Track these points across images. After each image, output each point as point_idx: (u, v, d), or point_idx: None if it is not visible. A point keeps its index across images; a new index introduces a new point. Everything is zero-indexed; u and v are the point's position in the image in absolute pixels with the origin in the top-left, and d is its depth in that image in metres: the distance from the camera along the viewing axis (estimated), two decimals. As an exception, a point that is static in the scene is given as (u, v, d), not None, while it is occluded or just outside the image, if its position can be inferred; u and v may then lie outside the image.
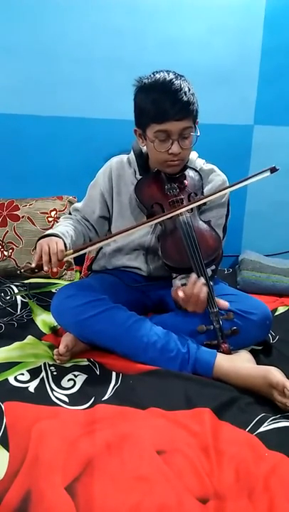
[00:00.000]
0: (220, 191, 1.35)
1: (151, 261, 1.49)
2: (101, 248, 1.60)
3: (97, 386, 1.12)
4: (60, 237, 1.31)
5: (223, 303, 1.25)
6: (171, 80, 1.26)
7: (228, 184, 1.47)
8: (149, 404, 1.04)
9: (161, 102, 1.25)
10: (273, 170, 1.26)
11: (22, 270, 1.28)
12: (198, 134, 1.33)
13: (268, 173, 1.26)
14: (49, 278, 1.96)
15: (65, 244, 1.29)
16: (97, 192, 1.51)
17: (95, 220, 1.52)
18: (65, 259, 1.25)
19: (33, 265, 1.25)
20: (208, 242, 1.32)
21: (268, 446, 0.92)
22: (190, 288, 1.23)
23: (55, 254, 1.23)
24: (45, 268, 1.22)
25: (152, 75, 1.31)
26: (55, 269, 1.24)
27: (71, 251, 1.28)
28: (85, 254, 2.08)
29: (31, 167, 2.16)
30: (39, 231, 1.97)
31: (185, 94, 1.25)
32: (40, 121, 2.10)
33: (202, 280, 1.23)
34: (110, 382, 1.14)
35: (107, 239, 1.32)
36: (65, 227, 1.41)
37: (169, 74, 1.29)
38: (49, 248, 1.23)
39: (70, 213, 1.59)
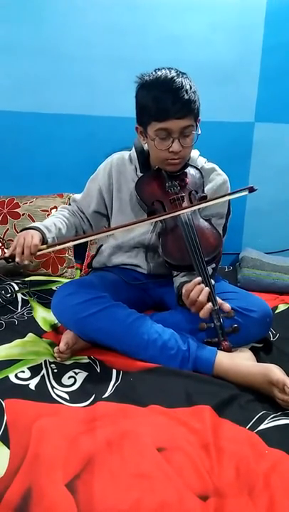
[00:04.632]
0: (217, 198, 1.35)
1: (152, 259, 1.49)
2: (101, 245, 1.60)
3: (98, 383, 1.12)
4: (41, 231, 1.32)
5: (227, 306, 1.23)
6: (172, 77, 1.25)
7: (228, 184, 1.48)
8: (150, 401, 1.04)
9: (162, 100, 1.24)
10: (251, 190, 1.28)
11: None
12: (200, 132, 1.33)
13: (246, 192, 1.29)
14: (50, 276, 1.96)
15: (44, 238, 1.31)
16: (96, 187, 1.51)
17: (89, 213, 1.53)
18: (38, 253, 1.28)
19: (7, 255, 1.28)
20: (209, 240, 1.32)
21: (268, 444, 0.92)
22: (190, 286, 1.23)
23: (28, 247, 1.25)
24: (17, 259, 1.25)
25: (154, 73, 1.30)
26: (26, 262, 1.26)
27: (45, 246, 1.29)
28: (85, 251, 2.09)
29: (32, 164, 2.16)
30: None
31: (186, 93, 1.24)
32: (41, 118, 2.10)
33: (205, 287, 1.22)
34: (111, 379, 1.14)
35: (86, 236, 1.38)
36: (56, 218, 1.45)
37: (170, 71, 1.28)
38: (24, 240, 1.26)
39: (70, 204, 1.60)
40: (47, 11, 2.00)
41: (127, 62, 2.01)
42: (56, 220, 1.43)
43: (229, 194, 1.38)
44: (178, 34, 2.04)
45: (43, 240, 1.31)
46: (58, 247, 1.32)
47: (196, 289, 1.21)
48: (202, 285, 1.22)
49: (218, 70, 2.07)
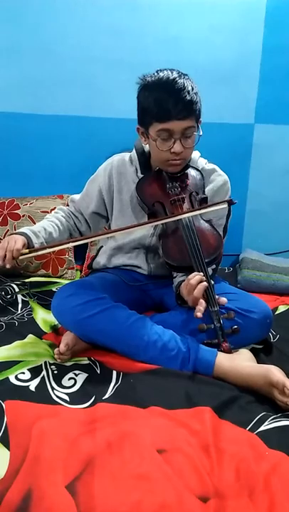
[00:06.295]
0: (217, 203, 1.35)
1: (152, 260, 1.49)
2: (101, 247, 1.60)
3: (98, 385, 1.12)
4: (27, 236, 1.35)
5: (222, 299, 1.24)
6: (174, 78, 1.26)
7: (229, 185, 1.48)
8: (150, 403, 1.04)
9: (164, 101, 1.25)
10: (231, 202, 1.32)
11: None
12: (201, 133, 1.33)
13: (225, 205, 1.33)
14: (50, 277, 1.96)
15: (29, 243, 1.34)
16: (96, 188, 1.51)
17: (88, 214, 1.54)
18: (21, 257, 1.30)
19: None
20: (210, 241, 1.32)
21: (268, 445, 0.93)
22: (192, 275, 1.22)
23: (10, 251, 1.29)
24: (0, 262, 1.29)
25: (156, 74, 1.31)
26: (8, 266, 1.29)
27: (27, 251, 1.31)
28: (85, 253, 2.09)
29: (32, 166, 2.16)
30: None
31: (188, 94, 1.25)
32: (41, 119, 2.10)
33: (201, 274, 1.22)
34: (111, 381, 1.14)
35: (82, 239, 1.37)
36: (48, 222, 1.48)
37: (172, 73, 1.28)
38: (7, 244, 1.29)
39: (67, 204, 1.60)
40: (46, 12, 2.00)
41: (127, 63, 2.01)
42: (47, 224, 1.45)
43: (209, 205, 1.36)
44: (177, 35, 2.04)
45: (28, 245, 1.34)
46: (40, 252, 1.35)
47: (196, 277, 1.20)
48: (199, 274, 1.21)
49: (217, 71, 2.07)
